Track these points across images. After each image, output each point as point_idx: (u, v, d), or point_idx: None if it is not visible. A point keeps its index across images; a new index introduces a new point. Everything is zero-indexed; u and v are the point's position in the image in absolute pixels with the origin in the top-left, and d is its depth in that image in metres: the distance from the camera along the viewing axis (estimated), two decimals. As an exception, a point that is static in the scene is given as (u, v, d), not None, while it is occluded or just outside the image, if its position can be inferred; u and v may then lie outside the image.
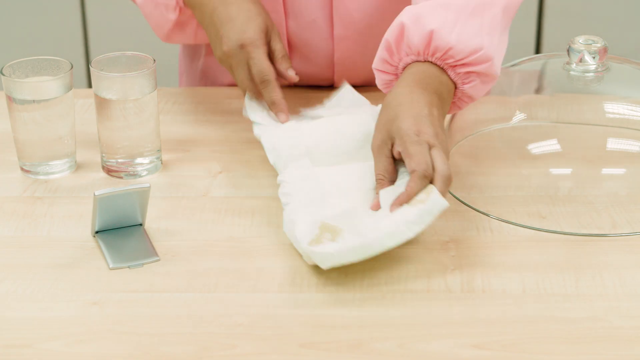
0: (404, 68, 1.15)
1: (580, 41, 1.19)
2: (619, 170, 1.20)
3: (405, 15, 1.14)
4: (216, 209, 1.14)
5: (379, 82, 1.18)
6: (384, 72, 1.17)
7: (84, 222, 1.11)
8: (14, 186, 1.19)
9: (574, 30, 2.48)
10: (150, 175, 1.20)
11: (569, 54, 1.19)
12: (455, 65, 1.13)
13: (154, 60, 1.17)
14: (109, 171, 1.20)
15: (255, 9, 1.24)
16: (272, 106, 1.21)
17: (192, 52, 1.47)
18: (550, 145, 1.24)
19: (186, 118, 1.34)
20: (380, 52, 1.16)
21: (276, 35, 1.24)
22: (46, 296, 1.00)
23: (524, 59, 1.27)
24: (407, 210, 1.02)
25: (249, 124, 1.33)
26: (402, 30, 1.14)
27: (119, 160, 1.19)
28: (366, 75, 1.32)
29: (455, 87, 1.14)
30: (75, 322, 0.96)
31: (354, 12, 1.33)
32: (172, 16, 1.29)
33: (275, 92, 1.21)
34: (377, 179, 1.08)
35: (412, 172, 1.04)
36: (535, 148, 1.23)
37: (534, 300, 0.99)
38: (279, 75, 1.23)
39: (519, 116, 1.24)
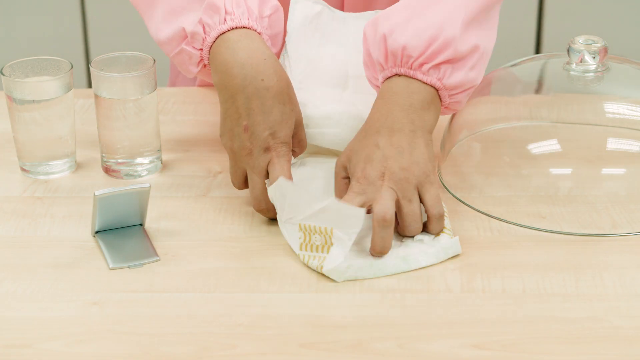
0: (381, 84, 1.12)
1: (580, 41, 1.19)
2: (619, 170, 1.20)
3: (369, 24, 1.12)
4: (216, 209, 1.14)
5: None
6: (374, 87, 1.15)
7: (84, 222, 1.11)
8: (14, 186, 1.19)
9: (574, 30, 2.48)
10: (150, 175, 1.20)
11: (569, 54, 1.19)
12: (422, 64, 1.09)
13: (154, 60, 1.17)
14: (108, 171, 1.20)
15: (290, 104, 1.10)
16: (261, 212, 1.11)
17: None
18: (550, 145, 1.24)
19: (186, 118, 1.34)
20: (364, 70, 1.15)
21: (302, 128, 1.13)
22: (46, 296, 1.00)
23: (524, 58, 1.27)
24: (426, 244, 1.05)
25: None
26: (367, 45, 1.12)
27: (119, 160, 1.19)
28: None
29: (437, 90, 1.10)
30: (75, 322, 0.96)
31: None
32: (194, 69, 1.16)
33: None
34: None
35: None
36: (535, 148, 1.23)
37: (534, 300, 0.99)
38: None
39: (519, 116, 1.24)
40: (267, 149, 1.08)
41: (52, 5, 2.54)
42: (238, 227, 1.11)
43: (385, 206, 1.02)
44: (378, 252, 1.03)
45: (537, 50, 2.53)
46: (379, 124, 1.08)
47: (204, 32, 1.13)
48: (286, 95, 1.10)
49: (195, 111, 1.36)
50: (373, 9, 1.30)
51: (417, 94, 1.09)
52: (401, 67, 1.09)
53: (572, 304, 0.98)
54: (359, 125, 1.13)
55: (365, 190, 1.05)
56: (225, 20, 1.12)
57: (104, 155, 1.19)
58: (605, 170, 1.20)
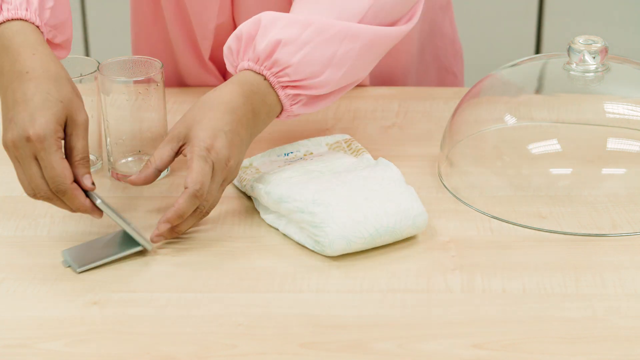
0: (241, 70, 1.12)
1: (580, 41, 1.19)
2: (619, 170, 1.20)
3: (266, 14, 1.12)
4: (216, 208, 1.14)
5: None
6: (227, 60, 1.15)
7: (84, 222, 1.11)
8: (14, 186, 1.19)
9: (574, 30, 2.48)
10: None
11: (569, 54, 1.19)
12: (287, 87, 1.11)
13: (162, 64, 1.17)
14: (116, 176, 1.19)
15: (56, 92, 1.03)
16: (78, 211, 1.04)
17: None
18: (550, 145, 1.24)
19: (186, 118, 1.34)
20: (230, 40, 1.13)
21: (80, 130, 1.04)
22: (46, 296, 1.00)
23: (524, 59, 1.27)
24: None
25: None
26: (257, 26, 1.12)
27: (127, 162, 1.19)
28: None
29: (282, 109, 1.12)
30: (75, 322, 0.96)
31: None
32: None
33: (78, 200, 1.02)
34: (147, 161, 1.07)
35: (185, 188, 1.04)
36: (535, 148, 1.23)
37: (534, 300, 0.99)
38: (75, 180, 1.03)
39: (519, 116, 1.24)
40: (28, 139, 1.00)
41: (52, 5, 2.54)
42: (238, 227, 1.11)
43: (207, 182, 1.04)
44: (175, 217, 1.04)
45: (537, 50, 2.53)
46: (229, 113, 1.07)
47: None
48: (53, 83, 1.03)
49: (195, 111, 1.36)
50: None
51: (269, 104, 1.11)
52: (273, 76, 1.10)
53: (572, 304, 0.98)
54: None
55: (211, 160, 1.05)
56: (1, 9, 1.08)
57: (110, 157, 1.19)
58: (605, 170, 1.20)
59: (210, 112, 1.07)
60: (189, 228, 1.08)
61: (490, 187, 1.17)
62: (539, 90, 1.27)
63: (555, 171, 1.20)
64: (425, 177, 1.19)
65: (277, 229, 1.09)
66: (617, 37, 2.51)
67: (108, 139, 1.18)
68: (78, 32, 2.56)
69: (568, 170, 1.20)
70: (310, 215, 1.04)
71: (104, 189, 1.18)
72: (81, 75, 1.18)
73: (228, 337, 0.94)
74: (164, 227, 1.05)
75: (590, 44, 1.18)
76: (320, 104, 1.15)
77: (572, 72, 1.19)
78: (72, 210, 1.04)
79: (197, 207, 1.05)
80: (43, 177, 1.02)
